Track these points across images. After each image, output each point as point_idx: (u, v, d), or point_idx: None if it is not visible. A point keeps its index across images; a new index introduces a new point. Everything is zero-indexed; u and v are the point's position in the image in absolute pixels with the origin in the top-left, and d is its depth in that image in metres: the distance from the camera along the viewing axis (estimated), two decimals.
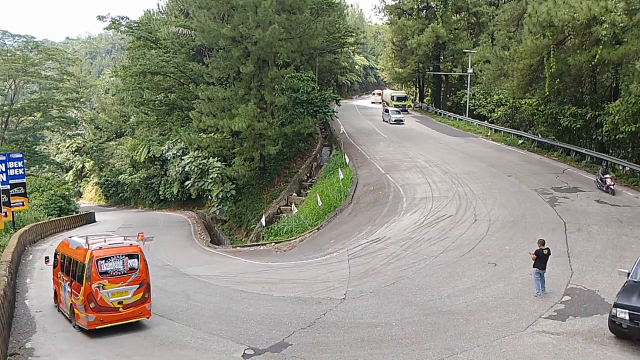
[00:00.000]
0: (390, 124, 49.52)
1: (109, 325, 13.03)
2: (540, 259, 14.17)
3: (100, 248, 13.39)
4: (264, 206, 37.30)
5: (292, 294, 16.36)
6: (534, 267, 14.24)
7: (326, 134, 47.85)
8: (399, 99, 62.56)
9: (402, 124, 49.55)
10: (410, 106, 64.71)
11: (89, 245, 13.51)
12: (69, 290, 13.77)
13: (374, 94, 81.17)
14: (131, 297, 13.24)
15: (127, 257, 13.45)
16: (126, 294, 13.20)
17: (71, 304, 13.65)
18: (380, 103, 70.51)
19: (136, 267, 13.46)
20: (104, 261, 13.14)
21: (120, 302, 13.10)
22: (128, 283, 13.25)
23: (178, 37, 44.21)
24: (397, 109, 53.50)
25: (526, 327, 12.46)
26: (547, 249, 14.37)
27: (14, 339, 13.30)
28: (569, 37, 29.84)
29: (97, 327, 12.94)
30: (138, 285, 13.34)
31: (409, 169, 32.61)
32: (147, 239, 32.83)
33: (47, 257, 16.65)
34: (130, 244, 13.98)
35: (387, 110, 52.69)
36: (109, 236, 14.82)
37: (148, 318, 13.71)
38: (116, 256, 13.34)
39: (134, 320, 13.40)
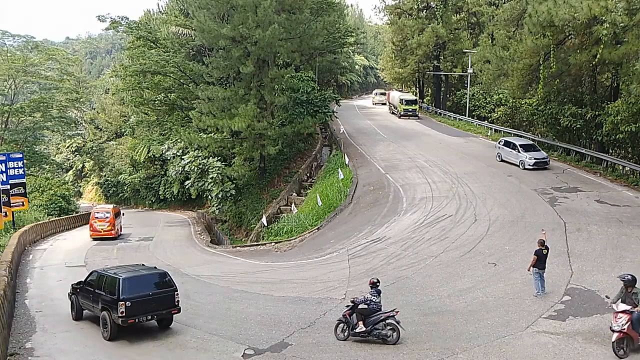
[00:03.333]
0: (526, 168, 30.03)
1: (97, 237, 30.99)
2: (540, 259, 14.18)
3: (96, 208, 34.45)
4: (264, 206, 37.30)
5: (292, 294, 16.37)
6: (533, 267, 14.26)
7: (326, 134, 47.83)
8: (408, 102, 56.31)
9: (547, 167, 30.38)
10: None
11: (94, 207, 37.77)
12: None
13: (376, 94, 75.55)
14: (106, 228, 31.33)
15: (105, 212, 32.18)
16: (104, 226, 31.35)
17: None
18: (383, 104, 68.05)
19: (109, 216, 31.68)
20: (97, 212, 32.30)
21: (102, 229, 31.25)
22: (105, 222, 31.47)
23: (178, 37, 44.20)
24: (528, 143, 32.80)
25: (526, 327, 12.47)
26: (547, 247, 14.37)
27: (14, 339, 13.31)
28: (569, 37, 29.83)
29: (92, 237, 31.06)
30: (109, 224, 31.38)
31: (409, 168, 32.61)
32: (147, 239, 33.03)
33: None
34: (108, 208, 33.03)
35: (511, 145, 31.86)
36: (105, 205, 38.17)
37: (116, 236, 31.78)
38: (101, 212, 32.29)
39: (107, 236, 31.10)
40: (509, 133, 42.25)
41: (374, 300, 12.24)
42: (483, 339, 11.93)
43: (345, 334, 12.34)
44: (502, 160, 32.30)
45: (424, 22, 57.10)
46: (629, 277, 10.97)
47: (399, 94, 61.13)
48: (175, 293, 13.81)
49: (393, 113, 59.82)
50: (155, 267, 15.34)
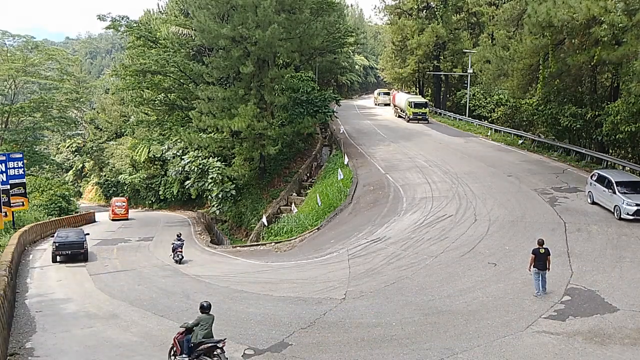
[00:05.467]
0: (622, 218, 20.77)
1: (116, 218, 46.34)
2: (538, 259, 14.18)
3: (115, 199, 50.85)
4: (264, 206, 37.30)
5: (292, 294, 16.36)
6: (533, 267, 14.26)
7: (326, 134, 47.84)
8: (418, 105, 51.83)
9: None
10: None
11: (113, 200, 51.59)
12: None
13: (379, 94, 72.61)
14: (123, 212, 47.18)
15: (122, 202, 49.00)
16: (121, 211, 47.25)
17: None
18: (386, 105, 66.42)
19: (124, 204, 48.19)
20: (116, 202, 48.97)
21: (120, 212, 46.96)
22: (122, 208, 47.58)
23: (178, 37, 44.20)
24: (631, 179, 22.70)
25: (526, 327, 12.47)
26: (545, 248, 14.33)
27: (14, 339, 13.32)
28: (568, 38, 29.84)
29: (111, 219, 46.15)
30: (124, 209, 47.56)
31: (409, 169, 32.62)
32: (147, 239, 33.05)
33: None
34: (124, 199, 50.67)
35: (606, 182, 22.22)
36: (121, 197, 54.12)
37: (127, 217, 47.09)
38: (120, 202, 48.88)
39: (122, 218, 46.51)
40: (509, 133, 42.26)
41: (176, 242, 24.96)
42: (483, 339, 11.93)
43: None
44: (594, 203, 22.90)
45: (424, 22, 57.16)
46: (204, 304, 11.12)
47: (407, 96, 56.34)
48: (84, 242, 25.19)
49: (400, 116, 55.75)
50: (82, 230, 27.84)
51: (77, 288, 18.95)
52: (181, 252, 24.56)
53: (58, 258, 24.28)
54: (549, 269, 14.34)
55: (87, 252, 25.09)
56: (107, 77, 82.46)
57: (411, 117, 51.81)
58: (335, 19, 51.22)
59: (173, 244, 25.01)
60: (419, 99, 54.84)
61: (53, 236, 30.24)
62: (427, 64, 59.88)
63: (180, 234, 26.62)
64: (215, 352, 10.56)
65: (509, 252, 18.13)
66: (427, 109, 53.37)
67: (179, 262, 24.19)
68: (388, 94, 69.94)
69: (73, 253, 24.41)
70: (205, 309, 11.02)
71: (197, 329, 10.84)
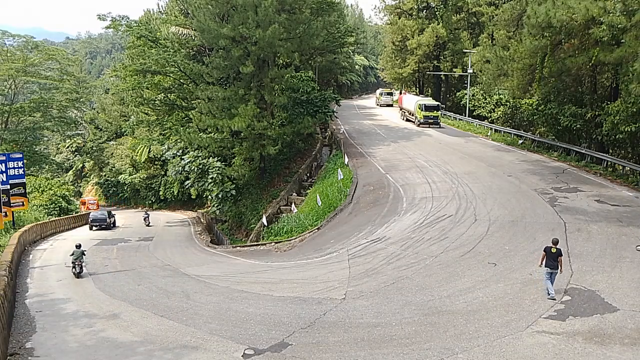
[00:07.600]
0: None
1: (88, 210, 49.31)
2: (549, 257, 14.18)
3: (88, 198, 63.75)
4: (264, 206, 37.30)
5: (292, 294, 16.35)
6: (545, 266, 14.22)
7: (326, 134, 47.84)
8: (429, 108, 48.11)
9: None
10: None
11: (87, 198, 63.11)
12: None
13: (381, 94, 70.32)
14: (95, 207, 51.34)
15: (93, 200, 58.73)
16: (93, 207, 53.03)
17: None
18: (389, 105, 65.43)
19: (95, 202, 56.79)
20: (90, 200, 58.42)
21: (92, 208, 50.67)
22: (94, 205, 54.84)
23: (178, 37, 44.17)
24: None
25: (526, 327, 12.47)
26: (558, 249, 14.29)
27: (14, 339, 13.32)
28: (567, 38, 29.84)
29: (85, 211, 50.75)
30: (96, 205, 54.57)
31: (409, 168, 32.62)
32: (147, 239, 33.06)
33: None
34: (95, 199, 61.76)
35: None
36: (92, 197, 66.52)
37: (96, 208, 53.84)
38: (91, 199, 58.73)
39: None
40: (509, 133, 42.26)
41: (144, 215, 42.59)
42: (483, 339, 11.93)
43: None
44: None
45: (424, 22, 57.31)
46: (77, 244, 21.36)
47: (417, 98, 52.39)
48: (107, 218, 39.16)
49: (408, 120, 52.55)
50: (107, 210, 43.05)
51: (77, 288, 18.94)
52: (149, 220, 42.12)
53: (93, 228, 38.39)
54: (561, 271, 14.32)
55: (110, 224, 39.41)
56: (107, 77, 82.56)
57: (422, 121, 48.44)
58: (335, 19, 51.19)
59: (143, 216, 42.85)
60: (431, 101, 50.88)
61: (54, 236, 35.65)
62: (427, 64, 59.98)
63: (147, 210, 43.29)
64: (73, 267, 20.04)
65: (509, 252, 18.12)
66: (440, 112, 50.03)
67: (148, 225, 40.83)
68: (391, 94, 69.15)
69: (100, 225, 38.62)
70: (76, 247, 20.50)
71: (72, 257, 20.11)
